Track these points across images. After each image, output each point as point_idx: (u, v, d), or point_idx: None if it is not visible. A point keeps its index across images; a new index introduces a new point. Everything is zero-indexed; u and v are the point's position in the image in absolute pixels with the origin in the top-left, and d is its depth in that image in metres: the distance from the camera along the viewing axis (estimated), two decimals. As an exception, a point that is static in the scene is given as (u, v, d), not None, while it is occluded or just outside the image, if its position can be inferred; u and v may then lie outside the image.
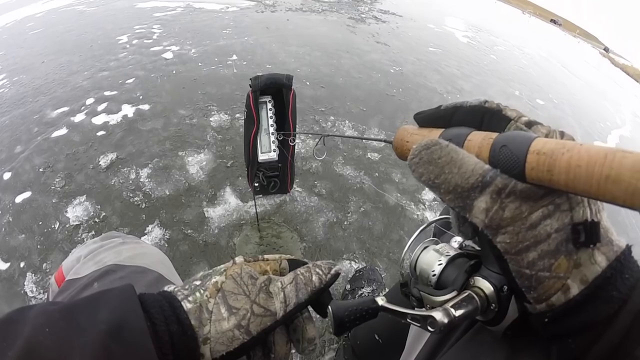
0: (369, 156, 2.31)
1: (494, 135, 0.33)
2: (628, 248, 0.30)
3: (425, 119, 0.43)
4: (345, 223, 1.79)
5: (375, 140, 0.60)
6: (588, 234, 0.28)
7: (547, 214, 0.29)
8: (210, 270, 0.41)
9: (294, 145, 1.40)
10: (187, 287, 0.39)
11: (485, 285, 0.34)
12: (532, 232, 0.29)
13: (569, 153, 0.26)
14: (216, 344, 0.36)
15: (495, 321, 0.34)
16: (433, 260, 0.39)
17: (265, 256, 0.46)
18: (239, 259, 0.43)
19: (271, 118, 1.34)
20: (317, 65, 3.60)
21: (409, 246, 0.49)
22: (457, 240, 0.44)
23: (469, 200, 0.31)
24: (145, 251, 0.74)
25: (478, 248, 0.40)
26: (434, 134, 0.40)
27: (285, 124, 1.35)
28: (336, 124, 2.57)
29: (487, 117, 0.37)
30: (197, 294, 0.38)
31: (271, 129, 1.36)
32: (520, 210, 0.30)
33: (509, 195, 0.30)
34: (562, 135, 0.33)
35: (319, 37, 4.73)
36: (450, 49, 5.78)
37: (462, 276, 0.36)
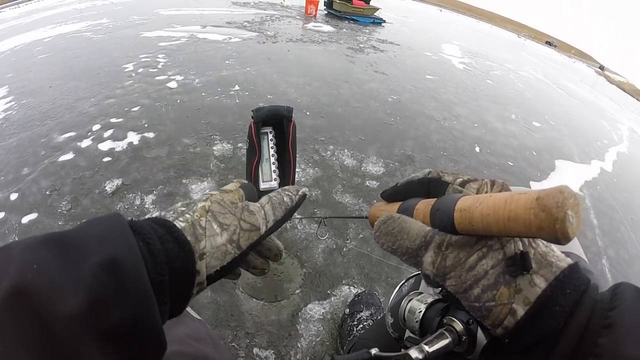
0: (367, 184, 2.36)
1: (433, 201, 0.41)
2: (570, 266, 0.35)
3: (389, 196, 0.52)
4: (344, 249, 1.82)
5: (357, 217, 0.72)
6: (519, 264, 0.34)
7: (481, 255, 0.36)
8: (190, 201, 0.43)
9: (294, 173, 1.46)
10: (172, 212, 0.41)
11: (455, 322, 0.39)
12: (471, 273, 0.36)
13: (480, 206, 0.33)
14: (211, 259, 0.38)
15: (469, 350, 0.39)
16: (415, 309, 0.45)
17: (225, 187, 0.49)
18: (213, 192, 0.46)
19: (272, 148, 1.40)
20: (317, 95, 3.70)
21: (391, 301, 0.60)
22: None
23: (418, 257, 0.39)
24: None
25: None
26: (394, 207, 0.49)
27: (285, 154, 1.41)
28: (335, 153, 2.63)
29: (432, 185, 0.45)
30: (187, 215, 0.40)
31: (272, 159, 1.42)
32: (459, 258, 0.36)
33: (448, 247, 0.37)
34: (493, 184, 0.41)
35: (318, 67, 4.86)
36: (447, 76, 5.93)
37: (436, 319, 0.42)
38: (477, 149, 3.32)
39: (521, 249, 0.35)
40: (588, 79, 20.31)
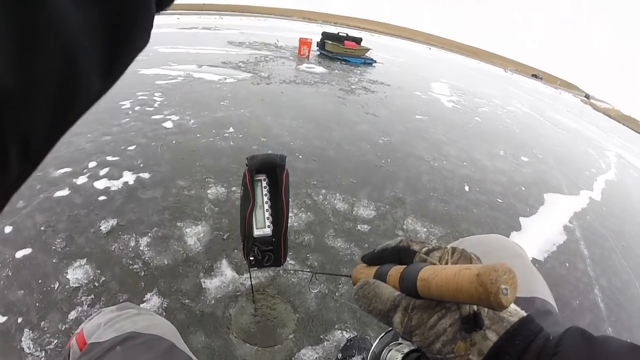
0: (359, 228, 2.41)
1: (402, 268, 0.48)
2: (520, 320, 0.40)
3: (367, 260, 0.59)
4: (336, 294, 1.85)
5: (343, 275, 0.80)
6: (472, 322, 0.39)
7: (441, 315, 0.41)
8: None
9: (288, 219, 1.51)
10: None
11: None
12: (433, 330, 0.41)
13: (436, 278, 0.39)
14: None
15: None
16: (392, 358, 0.52)
17: None
18: None
19: (266, 195, 1.45)
20: (309, 138, 3.78)
21: (372, 350, 0.66)
22: None
23: (389, 318, 0.45)
24: (158, 322, 0.83)
25: None
26: (372, 271, 0.55)
27: (278, 201, 1.46)
28: (327, 197, 2.68)
29: (402, 252, 0.52)
30: None
31: (266, 206, 1.47)
32: (422, 318, 0.42)
33: (413, 310, 0.43)
34: (453, 252, 0.47)
35: (311, 109, 4.97)
36: (436, 115, 6.09)
37: None
38: (467, 188, 3.39)
39: (475, 309, 0.40)
40: (574, 108, 20.86)
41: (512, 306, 0.42)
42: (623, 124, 24.11)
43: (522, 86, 22.28)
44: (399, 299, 0.45)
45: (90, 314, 1.27)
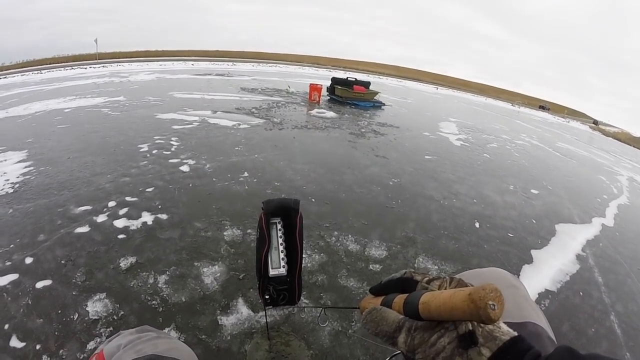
0: (371, 267, 2.44)
1: (405, 296, 0.54)
2: (511, 339, 0.43)
3: (375, 291, 0.65)
4: (349, 331, 1.87)
5: (351, 308, 0.85)
6: (468, 340, 0.44)
7: (440, 335, 0.46)
8: None
9: (302, 260, 1.58)
10: None
11: None
12: (433, 348, 0.46)
13: (435, 300, 0.45)
14: None
15: None
16: None
17: None
18: None
19: (281, 237, 1.53)
20: (321, 182, 3.85)
21: None
22: None
23: (394, 338, 0.51)
24: (178, 346, 0.85)
25: None
26: (379, 300, 0.61)
27: (293, 243, 1.54)
28: (340, 239, 2.72)
29: (406, 283, 0.58)
30: None
31: (281, 247, 1.54)
32: (424, 337, 0.47)
33: (415, 330, 0.49)
34: (451, 281, 0.53)
35: (322, 154, 5.08)
36: (445, 154, 6.12)
37: None
38: (477, 225, 3.40)
39: (470, 328, 0.45)
40: (583, 136, 20.68)
41: (505, 328, 0.46)
42: (634, 147, 23.72)
43: (530, 119, 22.29)
44: (403, 321, 0.51)
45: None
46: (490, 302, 0.38)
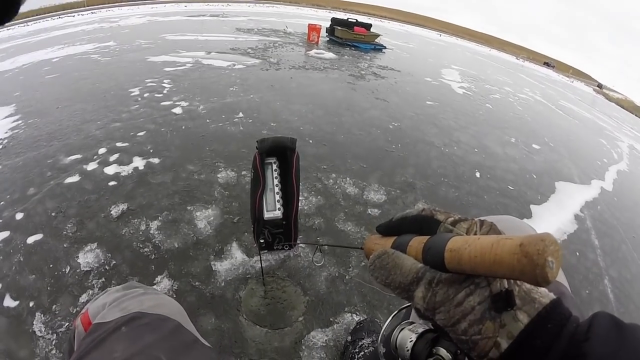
0: (369, 212, 2.39)
1: (426, 239, 0.44)
2: (552, 302, 0.37)
3: (383, 230, 0.55)
4: (346, 277, 1.84)
5: (353, 247, 0.75)
6: (503, 301, 0.37)
7: (469, 292, 0.38)
8: None
9: (298, 202, 1.50)
10: None
11: (444, 353, 0.42)
12: (459, 309, 0.38)
13: (469, 247, 0.36)
14: None
15: None
16: (406, 338, 0.48)
17: None
18: None
19: (276, 178, 1.45)
20: (319, 124, 3.75)
21: (382, 332, 0.63)
22: None
23: (410, 292, 0.42)
24: (164, 302, 0.81)
25: None
26: (389, 242, 0.51)
27: (289, 184, 1.45)
28: (337, 181, 2.66)
29: (424, 222, 0.48)
30: None
31: (276, 189, 1.46)
32: (448, 294, 0.39)
33: (438, 284, 0.40)
34: (482, 224, 0.43)
35: (321, 95, 4.93)
36: (447, 102, 5.99)
37: (425, 349, 0.45)
38: (478, 174, 3.35)
39: (506, 287, 0.37)
40: (586, 97, 20.48)
41: (542, 287, 0.39)
42: (636, 115, 23.64)
43: (533, 74, 21.88)
44: (422, 271, 0.41)
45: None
46: (550, 259, 0.29)
